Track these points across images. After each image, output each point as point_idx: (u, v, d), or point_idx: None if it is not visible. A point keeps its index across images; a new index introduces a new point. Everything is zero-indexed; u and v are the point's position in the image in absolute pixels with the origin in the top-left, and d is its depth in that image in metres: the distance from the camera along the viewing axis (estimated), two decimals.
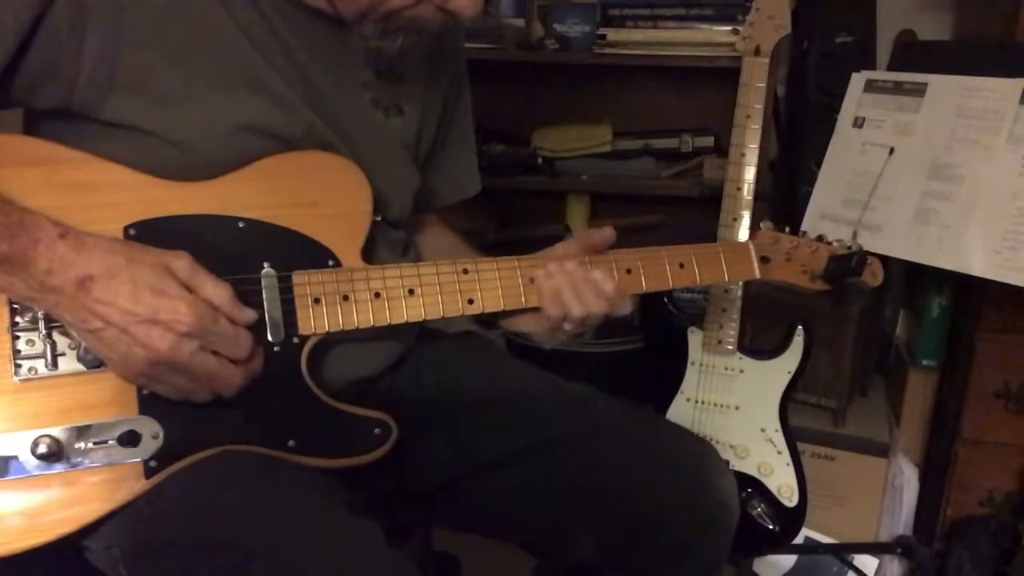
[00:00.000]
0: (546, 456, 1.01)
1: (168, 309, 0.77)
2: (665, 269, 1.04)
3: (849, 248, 1.11)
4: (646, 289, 1.02)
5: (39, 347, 0.81)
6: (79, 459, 0.81)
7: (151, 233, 0.83)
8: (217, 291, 0.81)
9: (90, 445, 0.81)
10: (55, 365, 0.81)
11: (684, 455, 1.02)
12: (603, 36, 1.93)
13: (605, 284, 0.97)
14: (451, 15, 0.89)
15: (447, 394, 1.06)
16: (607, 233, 1.00)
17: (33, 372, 0.81)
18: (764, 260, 1.10)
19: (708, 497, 0.99)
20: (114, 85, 0.84)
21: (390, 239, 1.04)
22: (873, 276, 1.13)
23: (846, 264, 1.09)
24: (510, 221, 2.26)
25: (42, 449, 0.79)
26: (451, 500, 1.05)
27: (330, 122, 0.95)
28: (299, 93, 0.92)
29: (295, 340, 0.88)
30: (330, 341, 0.93)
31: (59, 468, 0.80)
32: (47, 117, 0.87)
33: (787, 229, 1.13)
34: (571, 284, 0.96)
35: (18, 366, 0.80)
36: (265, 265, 0.87)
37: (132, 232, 0.83)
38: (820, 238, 1.13)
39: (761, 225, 1.13)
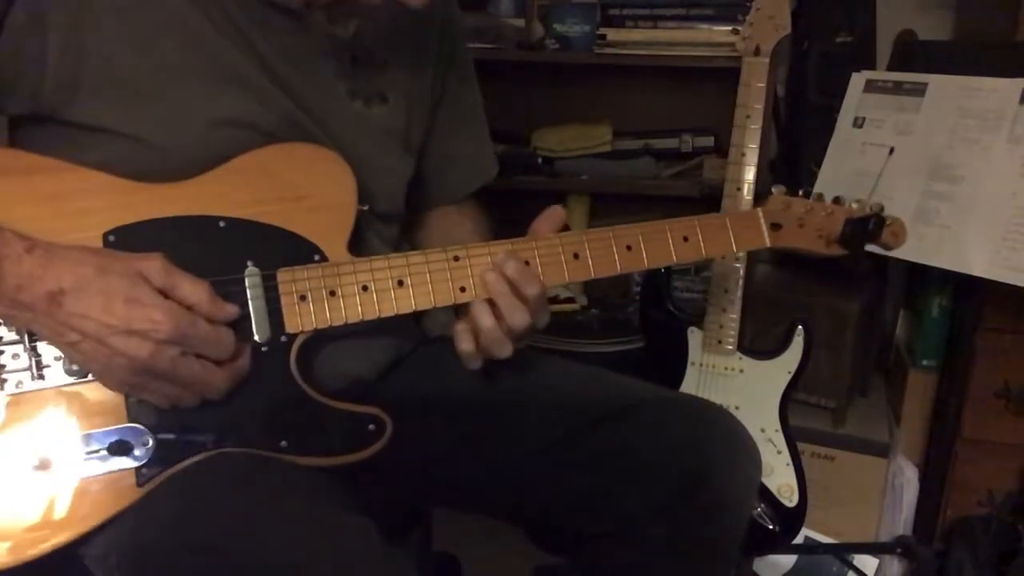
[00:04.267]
0: (596, 433, 1.00)
1: (142, 318, 0.75)
2: (668, 243, 0.97)
3: (869, 209, 1.03)
4: (648, 266, 0.97)
5: (24, 360, 0.79)
6: (71, 471, 0.80)
7: (130, 238, 0.81)
8: (194, 290, 0.79)
9: (81, 456, 0.80)
10: (42, 377, 0.80)
11: (713, 418, 1.02)
12: (603, 36, 1.93)
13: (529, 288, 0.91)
14: (399, 3, 0.86)
15: (477, 387, 1.03)
16: (553, 214, 0.97)
17: (20, 386, 0.79)
18: (775, 227, 1.03)
19: (743, 455, 1.00)
20: (80, 84, 0.82)
21: (381, 235, 1.02)
22: (895, 237, 1.05)
23: (863, 228, 1.01)
24: (510, 221, 2.25)
25: (34, 463, 0.79)
26: (496, 486, 1.04)
27: (306, 111, 0.92)
28: (270, 82, 0.90)
29: (283, 339, 0.86)
30: (326, 341, 0.91)
31: (51, 481, 0.79)
32: (27, 124, 0.86)
33: (800, 192, 1.05)
34: (504, 296, 0.90)
35: (4, 381, 0.79)
36: (249, 264, 0.84)
37: (111, 239, 0.80)
38: (837, 199, 1.05)
39: (773, 190, 1.05)
